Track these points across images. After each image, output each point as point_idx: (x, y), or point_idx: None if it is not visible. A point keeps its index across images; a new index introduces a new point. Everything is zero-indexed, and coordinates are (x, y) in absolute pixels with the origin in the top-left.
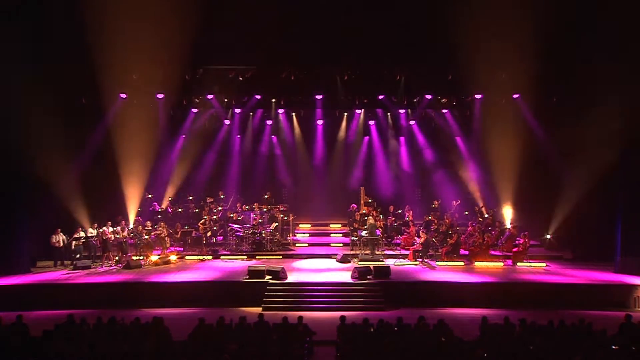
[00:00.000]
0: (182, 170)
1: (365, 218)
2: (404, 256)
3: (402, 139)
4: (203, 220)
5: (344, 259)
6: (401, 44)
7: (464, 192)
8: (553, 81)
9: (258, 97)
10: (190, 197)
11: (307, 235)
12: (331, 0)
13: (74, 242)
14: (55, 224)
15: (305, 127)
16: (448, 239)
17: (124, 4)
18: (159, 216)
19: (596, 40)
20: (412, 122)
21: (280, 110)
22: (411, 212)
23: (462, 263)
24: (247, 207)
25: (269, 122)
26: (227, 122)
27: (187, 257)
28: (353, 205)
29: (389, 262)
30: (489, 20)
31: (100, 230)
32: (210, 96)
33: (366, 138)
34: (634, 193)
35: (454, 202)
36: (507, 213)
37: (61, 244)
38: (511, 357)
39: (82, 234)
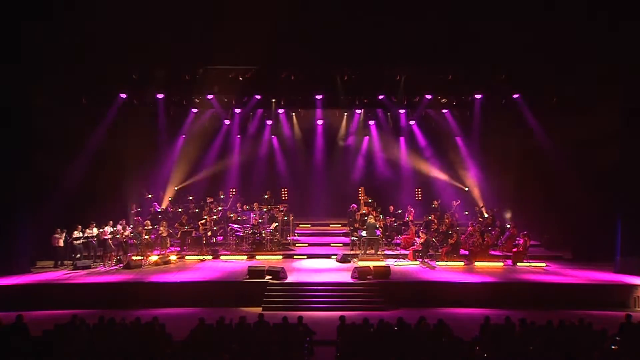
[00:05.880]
0: (182, 170)
1: (365, 218)
2: (404, 256)
3: (402, 139)
4: (203, 220)
5: (344, 259)
6: (401, 44)
7: (464, 192)
8: (553, 81)
9: (258, 97)
10: (190, 197)
11: (307, 235)
12: (331, 0)
13: (75, 242)
14: (55, 224)
15: (305, 127)
16: (448, 239)
17: (124, 3)
18: (159, 216)
19: (596, 39)
20: (412, 122)
21: (280, 110)
22: (412, 212)
23: (462, 263)
24: (247, 207)
25: (269, 122)
26: (227, 122)
27: (187, 257)
28: (353, 205)
29: (389, 262)
30: (489, 20)
31: (100, 230)
32: (210, 96)
33: (366, 138)
34: (634, 193)
35: (454, 202)
36: (507, 213)
37: (62, 244)
38: (511, 357)
39: (81, 233)
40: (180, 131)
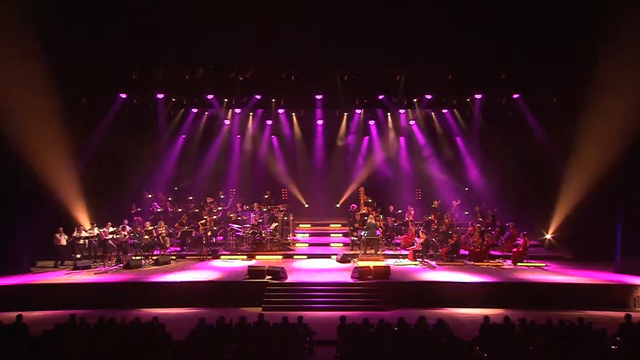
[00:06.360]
0: (182, 170)
1: (365, 218)
2: (404, 256)
3: (402, 139)
4: (203, 220)
5: (344, 259)
6: (401, 43)
7: (464, 192)
8: (553, 81)
9: (258, 97)
10: (190, 197)
11: (307, 235)
12: (331, 0)
13: (76, 242)
14: (55, 224)
15: (305, 127)
16: (448, 239)
17: (124, 3)
18: (160, 216)
19: (596, 39)
20: (412, 122)
21: (280, 110)
22: (412, 212)
23: (462, 263)
24: (247, 207)
25: (269, 122)
26: (227, 122)
27: (187, 257)
28: (353, 205)
29: (389, 262)
30: (489, 20)
31: (101, 230)
32: (210, 96)
33: (366, 138)
34: (634, 193)
35: (454, 202)
36: (507, 213)
37: (64, 243)
38: (511, 357)
39: (83, 233)
40: (180, 131)
